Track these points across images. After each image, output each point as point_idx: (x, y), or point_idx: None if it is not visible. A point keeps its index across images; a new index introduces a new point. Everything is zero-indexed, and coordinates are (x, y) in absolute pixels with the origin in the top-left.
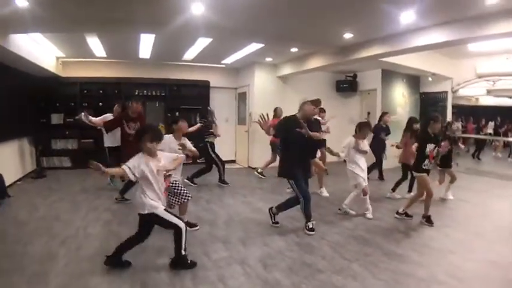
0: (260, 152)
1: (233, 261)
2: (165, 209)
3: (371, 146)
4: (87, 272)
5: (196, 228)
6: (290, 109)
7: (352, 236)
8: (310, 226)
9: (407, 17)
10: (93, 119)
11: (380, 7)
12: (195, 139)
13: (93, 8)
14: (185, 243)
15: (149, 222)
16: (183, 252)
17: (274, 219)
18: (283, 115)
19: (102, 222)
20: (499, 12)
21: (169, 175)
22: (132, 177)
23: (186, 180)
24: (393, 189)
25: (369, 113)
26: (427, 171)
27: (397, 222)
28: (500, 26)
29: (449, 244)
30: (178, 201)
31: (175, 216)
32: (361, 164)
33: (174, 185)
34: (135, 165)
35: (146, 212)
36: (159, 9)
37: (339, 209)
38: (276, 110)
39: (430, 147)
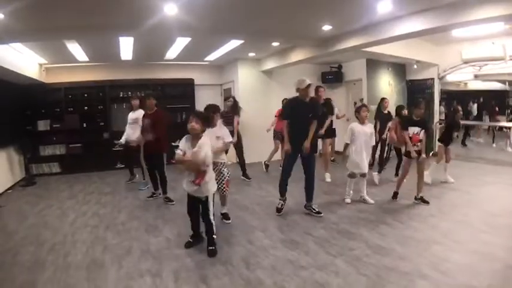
0: (249, 147)
1: (216, 260)
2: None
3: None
4: (74, 279)
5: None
6: (276, 103)
7: (337, 230)
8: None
9: (384, 6)
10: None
11: None
12: None
13: (68, 17)
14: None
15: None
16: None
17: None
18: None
19: (90, 227)
20: None
21: None
22: None
23: None
24: (396, 174)
25: (355, 103)
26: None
27: (383, 213)
28: (481, 12)
29: (434, 235)
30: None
31: None
32: (359, 149)
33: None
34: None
35: None
36: (133, 11)
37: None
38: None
39: (413, 130)
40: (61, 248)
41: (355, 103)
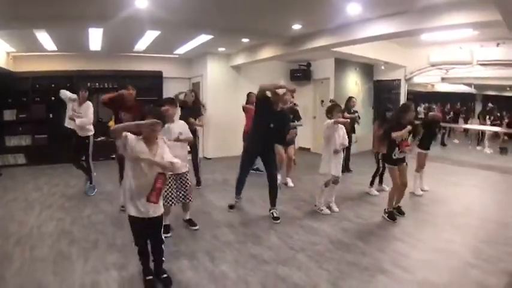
0: (215, 142)
1: (181, 255)
2: None
3: None
4: (41, 272)
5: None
6: (244, 98)
7: (300, 225)
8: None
9: (353, 8)
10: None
11: None
12: None
13: (38, 5)
14: None
15: None
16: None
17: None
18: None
19: (56, 220)
20: (446, 4)
21: None
22: None
23: None
24: (371, 184)
25: (322, 101)
26: (397, 161)
27: (346, 211)
28: (448, 18)
29: (396, 232)
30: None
31: None
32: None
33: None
34: None
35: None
36: (103, 3)
37: (315, 205)
38: (248, 95)
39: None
40: (27, 241)
41: (322, 101)
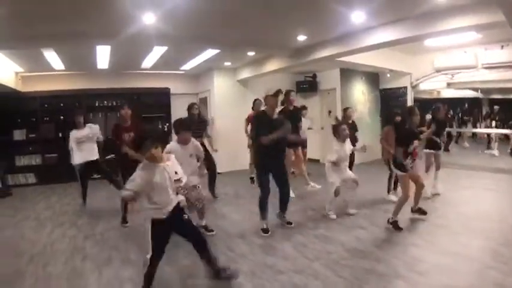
0: (224, 156)
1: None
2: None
3: None
4: None
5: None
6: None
7: (314, 235)
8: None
9: (357, 17)
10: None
11: (330, 8)
12: None
13: (46, 25)
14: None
15: None
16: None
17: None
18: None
19: (68, 238)
20: (449, 8)
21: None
22: None
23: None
24: (388, 191)
25: (330, 112)
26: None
27: (359, 219)
28: (452, 22)
29: (411, 237)
30: None
31: None
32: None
33: None
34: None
35: None
36: (111, 20)
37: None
38: (254, 102)
39: (414, 144)
40: (40, 259)
41: (330, 111)
